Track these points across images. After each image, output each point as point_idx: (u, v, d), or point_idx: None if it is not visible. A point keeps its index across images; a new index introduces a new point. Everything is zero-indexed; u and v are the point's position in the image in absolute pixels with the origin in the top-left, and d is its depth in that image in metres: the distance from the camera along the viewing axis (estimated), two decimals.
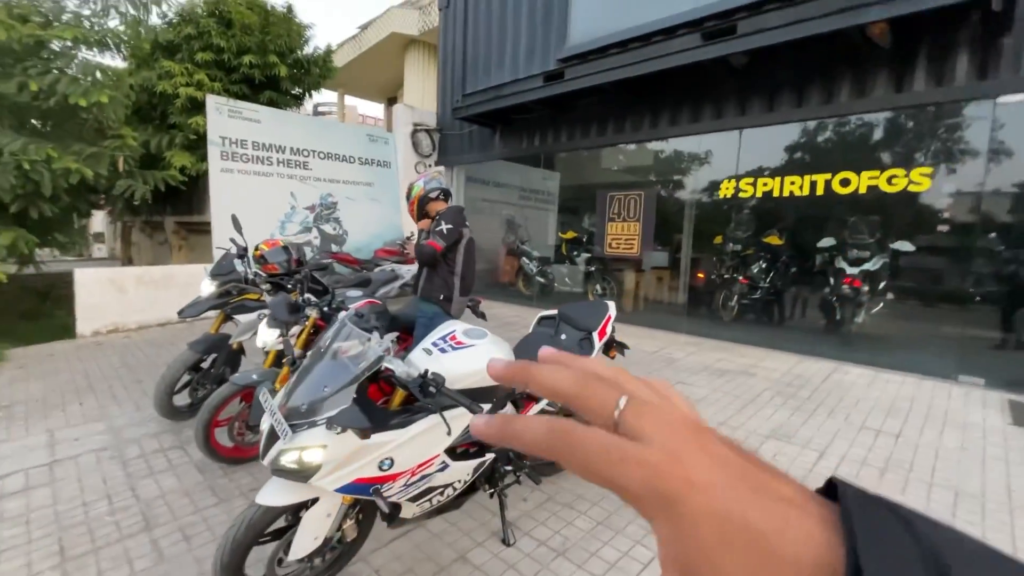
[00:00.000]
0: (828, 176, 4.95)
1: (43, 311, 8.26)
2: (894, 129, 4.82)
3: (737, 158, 5.71)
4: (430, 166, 9.26)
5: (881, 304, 5.21)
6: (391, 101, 18.69)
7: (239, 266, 3.50)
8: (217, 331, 3.53)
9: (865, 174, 4.70)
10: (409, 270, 4.61)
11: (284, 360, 2.75)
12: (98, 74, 5.48)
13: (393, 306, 3.41)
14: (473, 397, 1.88)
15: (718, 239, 6.28)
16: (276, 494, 1.61)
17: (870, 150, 4.92)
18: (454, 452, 1.87)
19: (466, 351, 1.88)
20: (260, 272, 3.54)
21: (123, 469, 2.86)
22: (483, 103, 7.23)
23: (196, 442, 2.72)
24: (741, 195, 5.64)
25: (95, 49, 6.14)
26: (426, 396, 1.62)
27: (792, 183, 5.22)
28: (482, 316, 3.78)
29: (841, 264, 5.41)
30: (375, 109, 21.15)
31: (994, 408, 3.72)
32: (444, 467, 1.79)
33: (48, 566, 2.06)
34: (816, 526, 0.21)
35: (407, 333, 3.33)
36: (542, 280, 8.22)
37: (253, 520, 1.59)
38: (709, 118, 5.73)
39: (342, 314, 1.82)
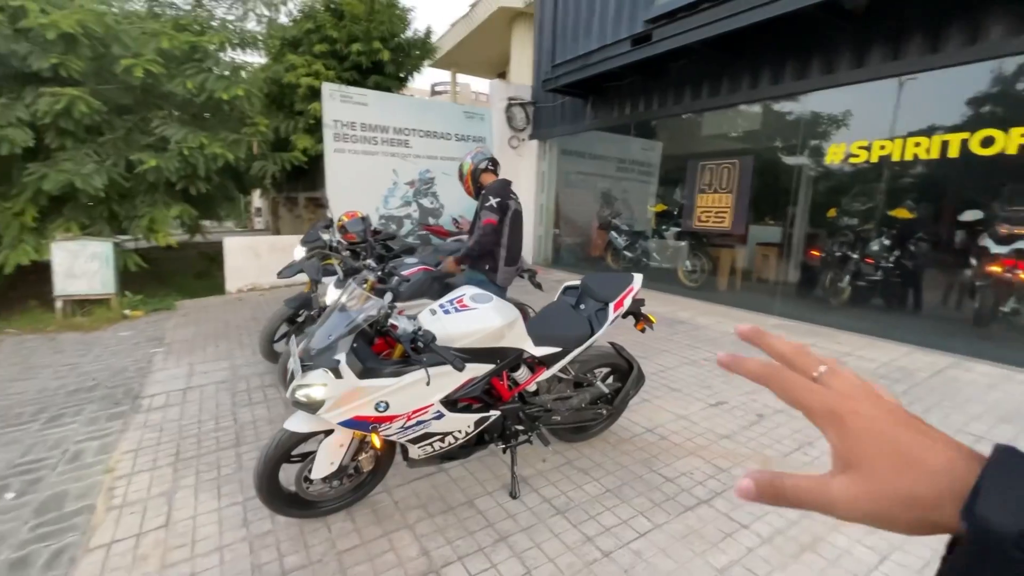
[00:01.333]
0: (966, 135, 4.11)
1: (211, 272, 10.13)
2: None
3: (857, 118, 4.96)
4: (524, 140, 9.38)
5: None
6: (501, 76, 19.00)
7: (324, 235, 4.01)
8: (310, 290, 4.10)
9: (1015, 131, 3.82)
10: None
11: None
12: (237, 71, 6.44)
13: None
14: (475, 356, 2.05)
15: (831, 212, 5.55)
16: (298, 422, 1.94)
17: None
18: (454, 404, 2.05)
19: (468, 313, 2.03)
20: (342, 240, 4.02)
21: (231, 398, 3.53)
22: (572, 72, 7.11)
23: (278, 381, 3.26)
24: (852, 160, 4.91)
25: (237, 49, 7.21)
26: (416, 351, 1.81)
27: (918, 145, 4.42)
28: (538, 286, 3.90)
29: (986, 242, 4.51)
30: (487, 86, 21.62)
31: None
32: (439, 416, 1.98)
33: (166, 462, 2.69)
34: (959, 456, 0.29)
35: None
36: (630, 255, 7.99)
37: (281, 441, 1.94)
38: (817, 73, 5.03)
39: (354, 278, 2.07)
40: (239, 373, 4.00)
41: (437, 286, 3.41)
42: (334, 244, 4.00)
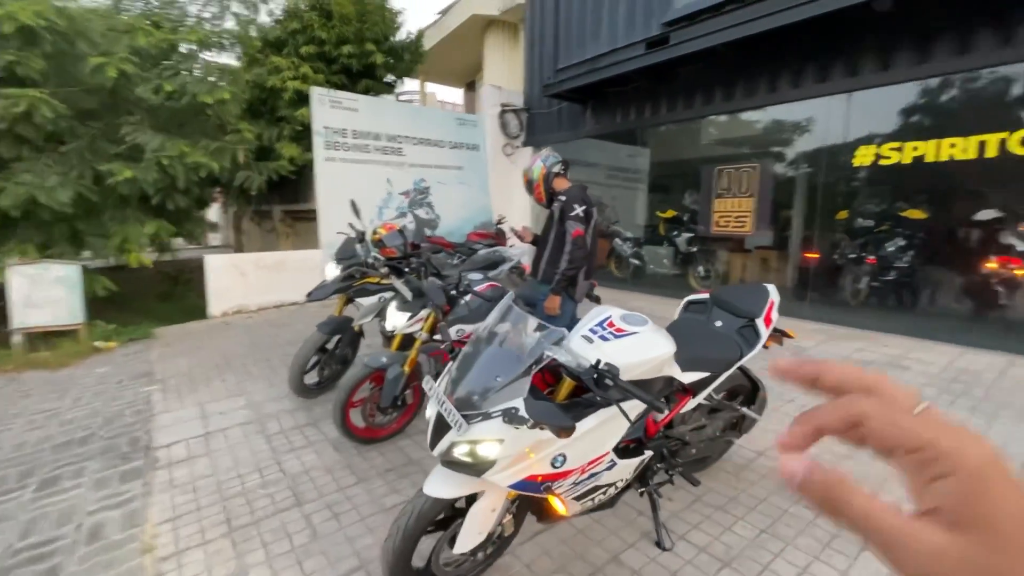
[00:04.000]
0: (1004, 135, 4.17)
1: (175, 294, 9.24)
2: None
3: (872, 121, 4.99)
4: (518, 147, 9.12)
5: None
6: (470, 86, 18.78)
7: (359, 250, 3.57)
8: (340, 313, 3.64)
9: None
10: (519, 252, 4.52)
11: (420, 344, 2.75)
12: (220, 73, 5.84)
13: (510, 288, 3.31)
14: (643, 389, 1.72)
15: (842, 214, 5.56)
16: (444, 485, 1.55)
17: None
18: (618, 449, 1.71)
19: (632, 339, 1.70)
20: (379, 256, 3.58)
21: (267, 443, 3.02)
22: (579, 77, 6.93)
23: (334, 422, 2.80)
24: (882, 162, 4.92)
25: (214, 50, 6.58)
26: (601, 388, 1.46)
27: (951, 146, 4.46)
28: (596, 300, 3.59)
29: (1010, 240, 4.60)
30: (454, 95, 21.32)
31: None
32: (612, 465, 1.64)
33: (219, 534, 2.19)
34: None
35: None
36: (636, 262, 7.85)
37: (423, 511, 1.54)
38: (840, 76, 5.04)
39: (508, 295, 1.71)
40: (264, 412, 3.47)
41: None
42: (370, 260, 3.56)
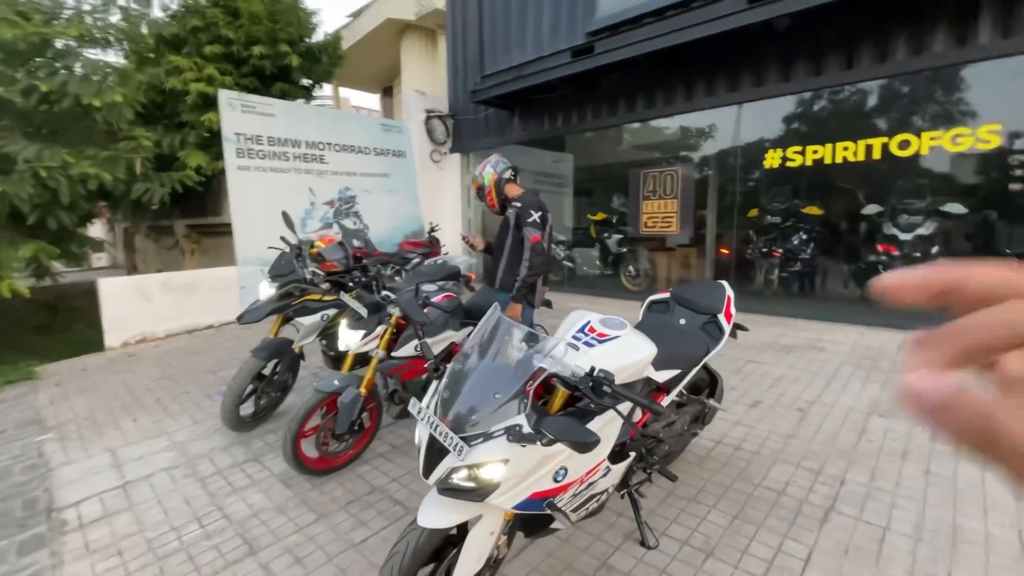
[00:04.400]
0: (885, 140, 4.78)
1: (57, 324, 8.03)
2: (955, 86, 4.62)
3: (775, 127, 5.51)
4: (445, 154, 9.00)
5: None
6: (387, 91, 18.27)
7: (296, 266, 3.30)
8: (276, 335, 3.34)
9: (927, 135, 4.53)
10: (465, 260, 4.42)
11: (377, 363, 2.59)
12: (107, 73, 5.17)
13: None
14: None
15: (753, 212, 6.09)
16: (440, 514, 1.44)
17: (930, 110, 4.73)
18: (613, 455, 1.70)
19: (613, 343, 1.70)
20: (318, 271, 3.33)
21: (202, 488, 2.68)
22: (504, 84, 6.96)
23: (284, 455, 2.55)
24: (788, 164, 5.44)
25: (99, 47, 5.83)
26: (599, 396, 1.44)
27: (844, 149, 5.04)
28: (548, 304, 3.61)
29: (891, 230, 5.27)
30: (369, 100, 20.64)
31: None
32: (607, 471, 1.63)
33: None
34: None
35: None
36: (569, 264, 8.04)
37: (419, 546, 1.43)
38: (748, 86, 5.51)
39: (493, 308, 1.63)
40: (192, 452, 3.09)
41: (461, 313, 2.98)
42: (308, 276, 3.30)
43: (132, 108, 5.86)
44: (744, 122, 5.78)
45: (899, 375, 0.23)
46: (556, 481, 1.45)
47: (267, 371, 3.29)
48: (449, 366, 1.56)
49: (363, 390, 2.61)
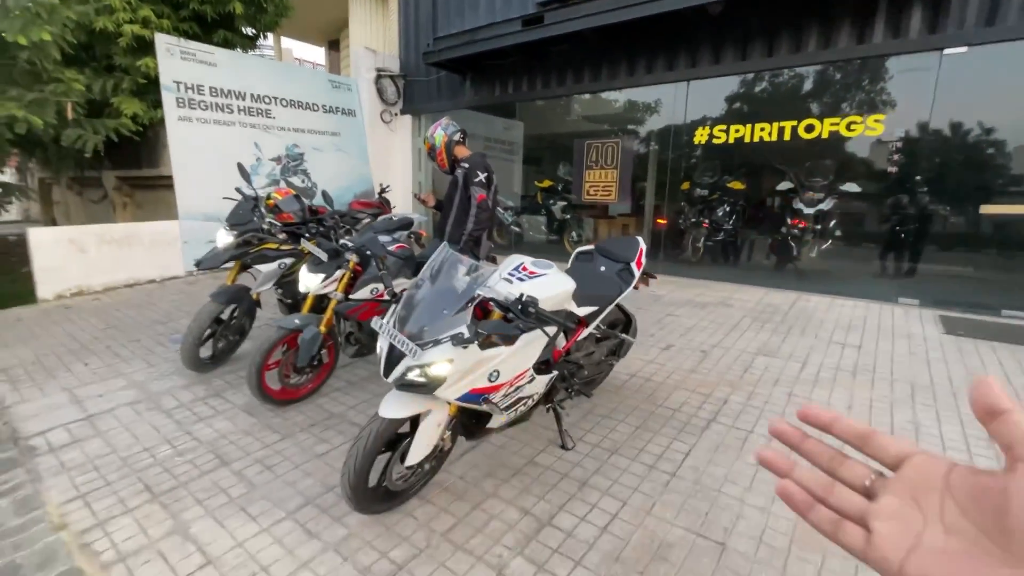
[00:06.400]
0: (794, 123, 5.39)
1: None
2: (853, 78, 5.26)
3: (707, 106, 6.04)
4: (396, 115, 8.99)
5: (830, 241, 5.86)
6: (332, 44, 17.48)
7: (255, 217, 3.45)
8: (234, 282, 3.50)
9: (828, 120, 5.18)
10: (416, 218, 4.64)
11: (335, 303, 2.86)
12: (33, 8, 4.86)
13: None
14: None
15: (685, 185, 6.67)
16: (397, 407, 1.80)
17: (830, 98, 5.37)
18: (535, 367, 2.11)
19: (543, 279, 2.08)
20: (275, 221, 3.50)
21: (168, 418, 2.89)
22: (456, 47, 7.06)
23: (248, 385, 2.80)
24: (714, 141, 5.99)
25: None
26: (525, 316, 1.83)
27: (761, 129, 5.62)
28: (492, 260, 3.97)
29: (798, 205, 5.98)
30: (314, 53, 19.61)
31: (929, 322, 4.43)
32: (532, 379, 2.04)
33: (142, 500, 2.16)
34: None
35: None
36: (516, 229, 8.40)
37: (380, 431, 1.78)
38: (684, 67, 5.96)
39: (442, 246, 1.96)
40: (152, 390, 3.26)
41: (413, 264, 3.28)
42: (265, 226, 3.46)
43: (59, 48, 5.53)
44: (680, 100, 6.25)
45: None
46: (491, 381, 1.84)
47: (225, 316, 3.48)
48: (405, 291, 1.89)
49: (323, 328, 2.89)
